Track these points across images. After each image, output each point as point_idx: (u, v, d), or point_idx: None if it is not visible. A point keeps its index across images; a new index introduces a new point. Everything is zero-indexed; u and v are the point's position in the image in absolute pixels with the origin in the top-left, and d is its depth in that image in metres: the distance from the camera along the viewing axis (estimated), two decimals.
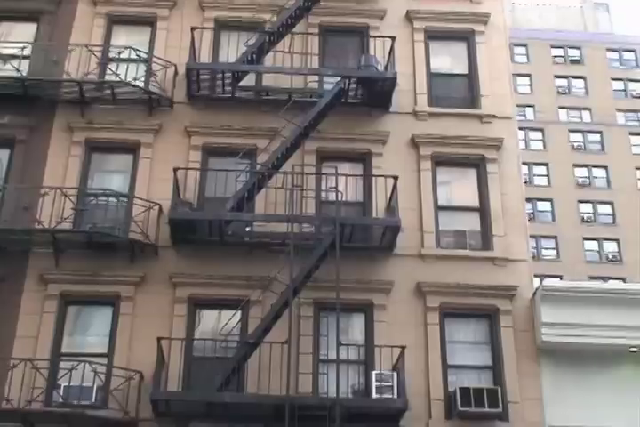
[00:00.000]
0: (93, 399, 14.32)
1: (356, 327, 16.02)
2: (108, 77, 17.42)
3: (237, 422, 14.28)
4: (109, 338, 15.48)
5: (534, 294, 16.10)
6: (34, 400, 14.26)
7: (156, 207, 16.20)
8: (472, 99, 18.28)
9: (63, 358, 15.12)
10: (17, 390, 14.26)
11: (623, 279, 46.04)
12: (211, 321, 15.90)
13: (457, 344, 15.95)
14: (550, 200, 51.84)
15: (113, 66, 17.51)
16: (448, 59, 18.96)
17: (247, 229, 16.48)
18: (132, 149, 17.23)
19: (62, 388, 14.38)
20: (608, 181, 52.89)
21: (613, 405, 15.22)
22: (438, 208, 17.15)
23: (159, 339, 14.57)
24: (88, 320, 15.94)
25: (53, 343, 15.33)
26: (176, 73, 17.59)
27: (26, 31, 18.23)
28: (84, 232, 15.87)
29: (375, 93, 17.49)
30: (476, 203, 17.37)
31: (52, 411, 14.32)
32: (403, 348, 14.73)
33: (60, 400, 14.34)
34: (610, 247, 50.75)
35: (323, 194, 16.81)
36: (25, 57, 17.44)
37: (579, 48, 57.98)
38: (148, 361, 14.63)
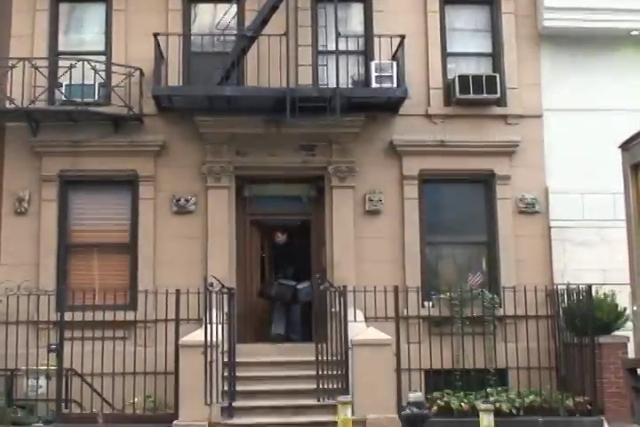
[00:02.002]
0: (96, 97, 14.18)
1: (354, 17, 15.41)
2: None
3: (239, 115, 14.27)
4: (105, 35, 14.99)
5: None
6: (37, 100, 14.12)
7: None
8: None
9: (61, 56, 14.74)
10: (19, 89, 14.03)
11: None
12: (207, 15, 15.27)
13: (457, 32, 15.45)
14: None
15: None
16: None
17: None
18: None
19: (64, 86, 14.18)
20: None
21: (612, 87, 15.04)
22: None
23: (155, 35, 14.06)
24: (82, 18, 15.28)
25: (50, 42, 14.87)
26: None
27: None
28: None
29: None
30: None
31: (57, 109, 14.27)
32: (402, 37, 14.26)
33: (63, 98, 14.25)
34: None
35: None
36: None
37: None
38: (146, 58, 14.24)
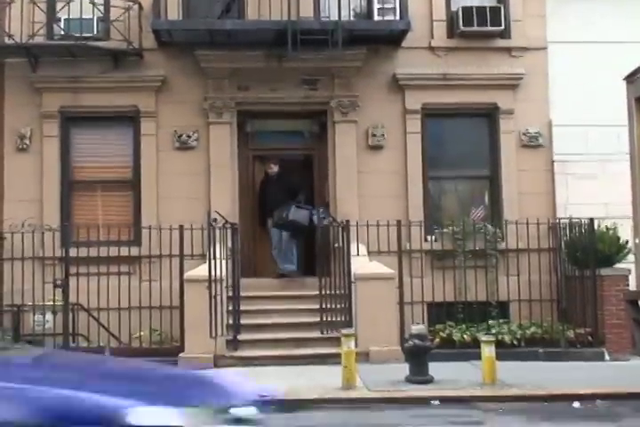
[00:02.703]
0: (95, 31, 14.01)
1: None
2: None
3: (240, 49, 14.05)
4: None
5: None
6: (36, 35, 13.90)
7: None
8: None
9: None
10: (17, 25, 13.79)
11: None
12: None
13: None
14: None
15: None
16: None
17: None
18: None
19: (62, 21, 13.96)
20: None
21: (618, 19, 14.71)
22: None
23: None
24: None
25: None
26: None
27: None
28: None
29: None
30: None
31: (56, 44, 14.06)
32: None
33: (62, 33, 14.04)
34: None
35: None
36: None
37: None
38: None
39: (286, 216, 14.10)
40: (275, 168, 14.68)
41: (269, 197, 14.59)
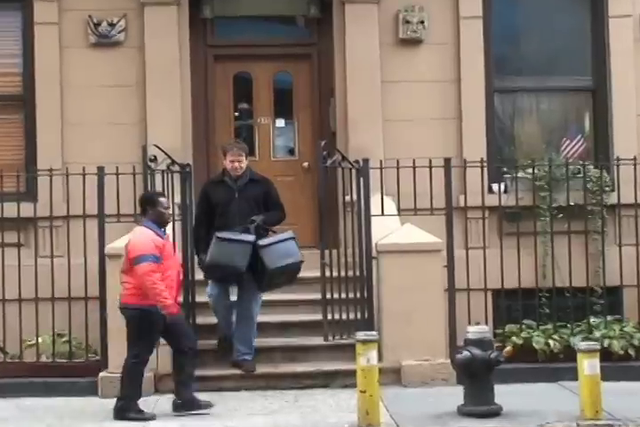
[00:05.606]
0: None
1: None
2: None
3: None
4: None
5: None
6: None
7: None
8: None
9: None
10: None
11: None
12: None
13: None
14: None
15: None
16: None
17: None
18: None
19: None
20: None
21: None
22: None
23: None
24: None
25: None
26: None
27: None
28: None
29: None
30: None
31: None
32: None
33: None
34: None
35: None
36: None
37: None
38: None
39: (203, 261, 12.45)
40: (241, 162, 12.57)
41: (227, 213, 12.53)
